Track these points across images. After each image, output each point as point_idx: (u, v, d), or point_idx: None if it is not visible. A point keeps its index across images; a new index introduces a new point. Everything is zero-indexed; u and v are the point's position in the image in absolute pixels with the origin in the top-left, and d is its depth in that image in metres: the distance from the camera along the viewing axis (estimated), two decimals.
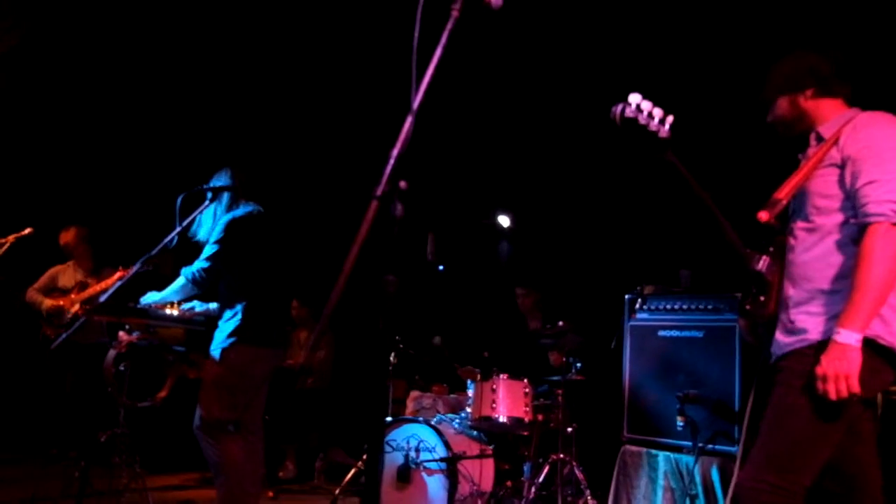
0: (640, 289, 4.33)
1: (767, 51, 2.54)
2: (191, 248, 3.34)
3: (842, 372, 1.96)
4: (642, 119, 2.16)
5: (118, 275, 4.76)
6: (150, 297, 3.44)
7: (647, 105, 2.16)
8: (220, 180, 3.48)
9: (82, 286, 5.15)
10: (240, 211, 3.42)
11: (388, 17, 3.68)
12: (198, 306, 3.54)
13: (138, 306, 3.47)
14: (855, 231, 2.08)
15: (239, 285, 3.37)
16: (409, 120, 1.54)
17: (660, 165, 2.23)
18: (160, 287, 3.46)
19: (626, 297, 4.37)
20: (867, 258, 1.99)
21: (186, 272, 3.32)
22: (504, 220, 6.12)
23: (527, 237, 6.11)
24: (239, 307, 3.33)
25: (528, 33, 4.78)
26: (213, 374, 3.32)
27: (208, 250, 3.32)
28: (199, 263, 3.31)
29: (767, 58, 2.39)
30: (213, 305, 3.56)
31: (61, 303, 5.19)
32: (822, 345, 2.03)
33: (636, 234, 5.16)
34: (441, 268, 5.47)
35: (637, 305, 4.30)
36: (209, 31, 5.68)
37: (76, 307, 5.11)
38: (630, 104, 2.15)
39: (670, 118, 2.19)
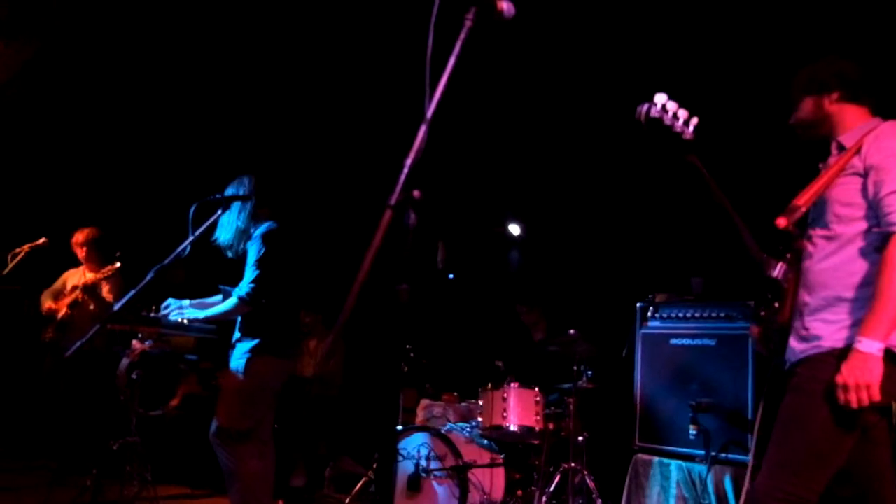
0: (652, 297, 4.32)
1: (791, 58, 2.53)
2: (203, 258, 3.35)
3: (863, 381, 1.95)
4: (667, 119, 2.16)
5: (108, 268, 4.79)
6: (191, 313, 3.45)
7: (672, 106, 2.16)
8: (236, 189, 3.50)
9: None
10: (265, 227, 3.45)
11: (402, 27, 3.70)
12: (189, 313, 3.52)
13: (157, 315, 3.49)
14: (877, 239, 2.07)
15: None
16: (422, 129, 1.55)
17: (681, 167, 2.23)
18: (173, 294, 3.50)
19: (638, 305, 4.36)
20: (890, 268, 1.99)
21: (241, 293, 3.31)
22: (515, 229, 6.12)
23: (538, 245, 6.10)
24: (264, 319, 3.35)
25: (540, 44, 4.79)
26: (235, 384, 3.34)
27: (251, 274, 3.33)
28: (248, 286, 3.32)
29: (791, 65, 2.38)
30: (212, 311, 3.53)
31: (55, 305, 5.19)
32: (841, 353, 2.03)
33: (648, 242, 5.14)
34: (451, 276, 5.47)
35: (649, 313, 4.29)
36: (222, 43, 5.71)
37: (64, 310, 5.12)
38: (655, 104, 2.15)
39: (695, 120, 2.18)
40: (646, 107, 2.16)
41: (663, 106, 2.15)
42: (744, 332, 3.88)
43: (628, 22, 4.74)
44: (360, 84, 5.75)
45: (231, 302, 3.35)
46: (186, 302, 3.53)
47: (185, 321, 3.49)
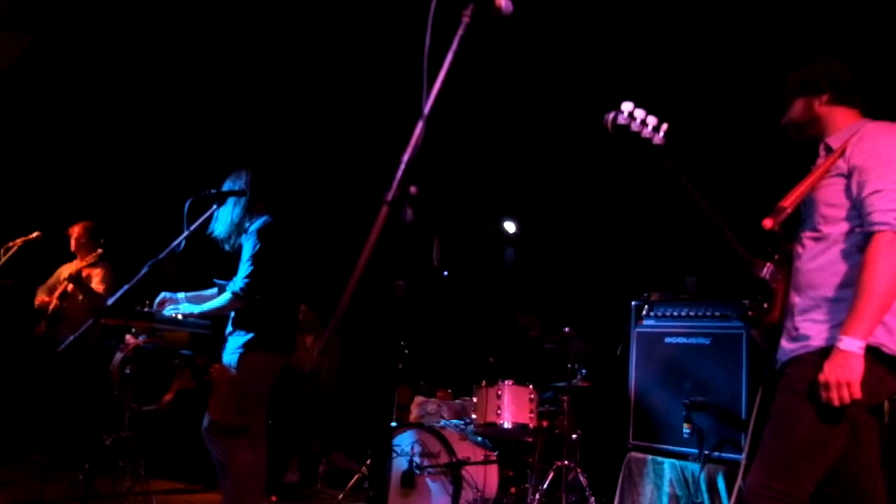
0: (647, 295, 4.33)
1: (779, 60, 2.55)
2: (198, 253, 3.34)
3: (843, 379, 1.97)
4: (635, 126, 2.19)
5: (92, 255, 4.79)
6: (185, 308, 3.44)
7: (640, 113, 2.19)
8: (233, 182, 3.49)
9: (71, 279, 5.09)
10: (260, 221, 3.44)
11: (400, 23, 3.69)
12: (183, 308, 3.52)
13: (151, 309, 3.48)
14: (860, 240, 2.09)
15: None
16: (419, 125, 1.54)
17: (658, 172, 2.25)
18: (167, 289, 3.49)
19: (633, 303, 4.37)
20: (871, 266, 2.01)
21: (235, 288, 3.30)
22: (510, 227, 6.13)
23: (533, 243, 6.11)
24: (257, 313, 3.35)
25: (538, 40, 4.79)
26: (228, 379, 3.33)
27: (245, 269, 3.32)
28: (242, 281, 3.31)
29: (778, 66, 2.40)
30: (207, 307, 3.52)
31: (47, 299, 5.19)
32: (825, 351, 2.05)
33: (642, 240, 5.15)
34: (445, 273, 5.48)
35: (644, 312, 4.30)
36: (218, 37, 5.69)
37: (54, 302, 5.12)
38: (622, 112, 2.18)
39: (665, 126, 2.21)
40: (612, 115, 2.20)
41: (630, 113, 2.18)
42: (738, 331, 3.89)
43: (625, 22, 4.75)
44: (358, 80, 5.74)
45: (225, 297, 3.34)
46: (181, 295, 3.52)
47: (180, 316, 3.48)
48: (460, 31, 1.61)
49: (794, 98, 2.33)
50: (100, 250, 4.89)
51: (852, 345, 1.98)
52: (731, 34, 4.45)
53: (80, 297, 5.01)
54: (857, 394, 1.97)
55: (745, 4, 4.36)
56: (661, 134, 2.21)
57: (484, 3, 1.64)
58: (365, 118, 5.87)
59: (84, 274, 5.07)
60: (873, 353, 2.02)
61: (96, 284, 5.07)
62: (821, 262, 2.16)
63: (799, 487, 2.04)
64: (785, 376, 2.17)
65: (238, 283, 3.31)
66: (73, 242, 5.24)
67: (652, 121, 2.20)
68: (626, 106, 2.18)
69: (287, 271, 3.48)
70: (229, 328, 3.42)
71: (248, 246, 3.36)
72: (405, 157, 1.52)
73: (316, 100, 6.14)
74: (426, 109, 1.55)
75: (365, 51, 5.47)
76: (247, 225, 3.46)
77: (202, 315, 3.44)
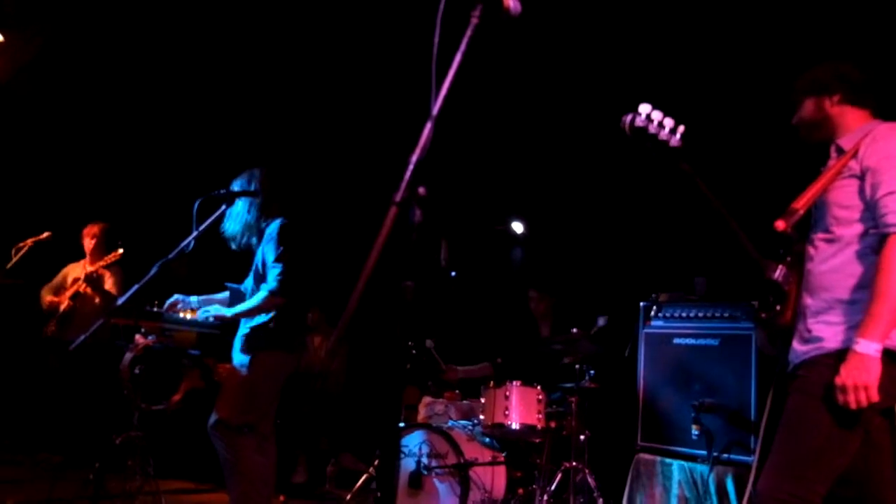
0: (656, 296, 4.31)
1: (790, 63, 2.54)
2: (207, 253, 3.35)
3: (861, 382, 1.96)
4: (652, 128, 2.19)
5: (112, 256, 4.80)
6: (215, 310, 3.44)
7: (657, 115, 2.19)
8: (245, 180, 3.49)
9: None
10: (277, 223, 3.44)
11: (409, 24, 3.69)
12: (214, 310, 3.52)
13: (160, 309, 3.50)
14: (875, 241, 2.09)
15: None
16: (428, 126, 1.54)
17: (674, 174, 2.24)
18: (179, 290, 3.51)
19: (641, 304, 4.35)
20: (886, 268, 2.00)
21: (270, 287, 3.30)
22: (517, 227, 6.12)
23: (540, 244, 6.10)
24: (271, 313, 3.35)
25: (546, 40, 4.78)
26: (239, 378, 3.34)
27: (275, 269, 3.32)
28: (275, 280, 3.30)
29: (790, 69, 2.39)
30: (242, 307, 3.53)
31: (56, 299, 5.20)
32: (841, 354, 2.04)
33: (651, 241, 5.13)
34: (453, 274, 5.47)
35: (652, 313, 4.29)
36: (230, 38, 5.71)
37: (66, 302, 5.13)
38: (640, 114, 2.18)
39: (681, 128, 2.21)
40: (630, 117, 2.20)
41: (647, 115, 2.19)
42: (747, 332, 3.88)
43: (636, 23, 4.73)
44: (366, 80, 5.74)
45: (260, 296, 3.33)
46: (194, 298, 3.53)
47: (212, 318, 3.46)
48: (469, 32, 1.61)
49: (804, 98, 2.32)
50: (121, 251, 4.87)
51: (869, 347, 1.97)
52: (746, 37, 4.43)
53: (96, 300, 5.01)
54: (875, 397, 1.96)
55: (760, 7, 4.34)
56: (678, 136, 2.21)
57: (492, 4, 1.64)
58: (373, 119, 5.88)
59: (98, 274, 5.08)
60: (889, 356, 2.01)
61: (109, 287, 5.09)
62: (834, 263, 2.16)
63: (811, 490, 2.03)
64: (798, 378, 2.16)
65: (271, 282, 3.31)
66: (90, 243, 5.23)
67: (669, 123, 2.20)
68: (644, 108, 2.18)
69: (302, 272, 3.49)
70: (244, 329, 3.43)
71: (270, 249, 3.37)
72: (413, 158, 1.52)
73: (323, 101, 6.15)
74: (435, 110, 1.55)
75: (373, 51, 5.48)
76: (262, 225, 3.46)
77: (236, 315, 3.42)
